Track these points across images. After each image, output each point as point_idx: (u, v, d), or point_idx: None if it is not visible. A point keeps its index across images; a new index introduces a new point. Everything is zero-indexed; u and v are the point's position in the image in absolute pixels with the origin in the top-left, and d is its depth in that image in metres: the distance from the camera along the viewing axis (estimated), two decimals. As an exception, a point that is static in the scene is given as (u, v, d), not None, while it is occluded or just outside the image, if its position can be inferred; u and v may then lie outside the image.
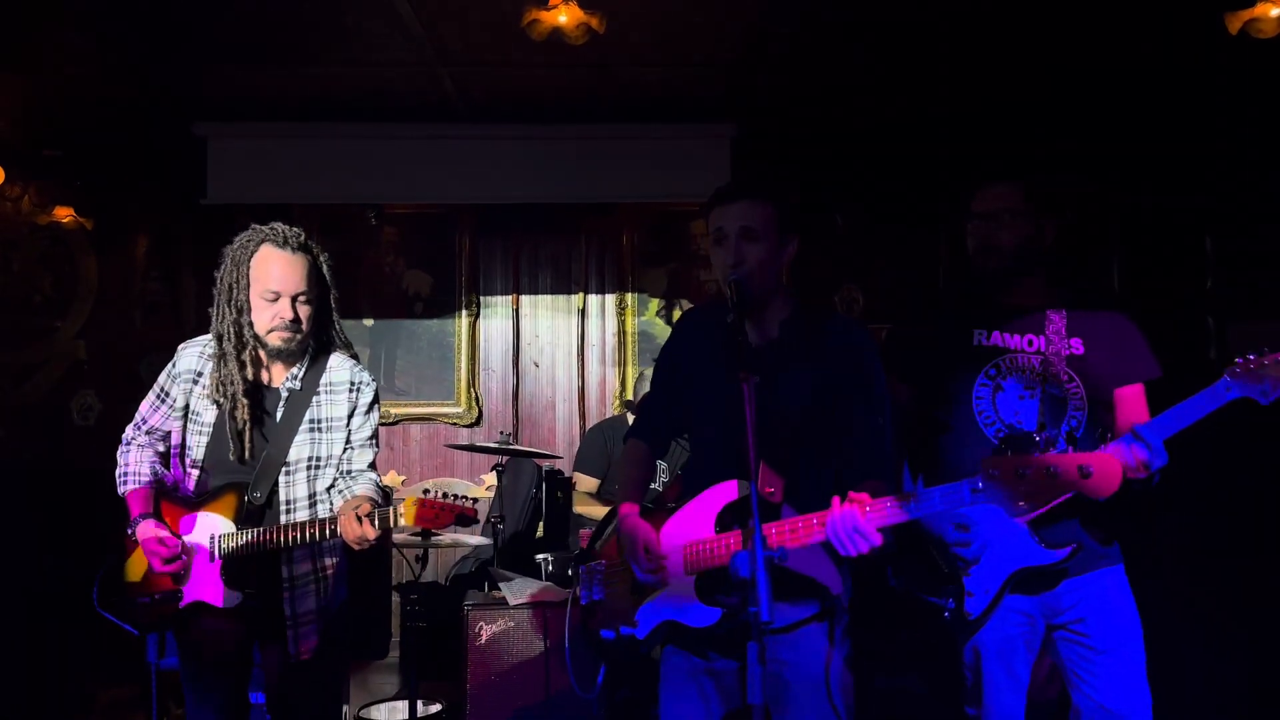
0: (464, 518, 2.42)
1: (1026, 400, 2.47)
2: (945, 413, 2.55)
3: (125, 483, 2.63)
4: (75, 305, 5.33)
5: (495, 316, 5.51)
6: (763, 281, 2.23)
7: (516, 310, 5.51)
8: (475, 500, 2.51)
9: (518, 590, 3.52)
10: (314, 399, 2.56)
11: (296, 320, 2.48)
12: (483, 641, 3.43)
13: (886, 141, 5.20)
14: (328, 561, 2.55)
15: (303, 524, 2.43)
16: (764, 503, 2.13)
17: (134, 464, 2.64)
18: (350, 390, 2.59)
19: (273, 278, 2.46)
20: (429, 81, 4.51)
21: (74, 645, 2.71)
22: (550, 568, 3.82)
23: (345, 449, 2.59)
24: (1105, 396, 2.49)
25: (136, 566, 2.59)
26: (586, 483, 4.47)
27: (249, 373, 2.50)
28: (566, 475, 4.59)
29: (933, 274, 5.42)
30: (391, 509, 2.40)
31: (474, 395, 5.45)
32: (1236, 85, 4.44)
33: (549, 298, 5.54)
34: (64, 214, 5.31)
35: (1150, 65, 4.23)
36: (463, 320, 5.45)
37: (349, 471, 2.59)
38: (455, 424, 5.43)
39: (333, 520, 2.41)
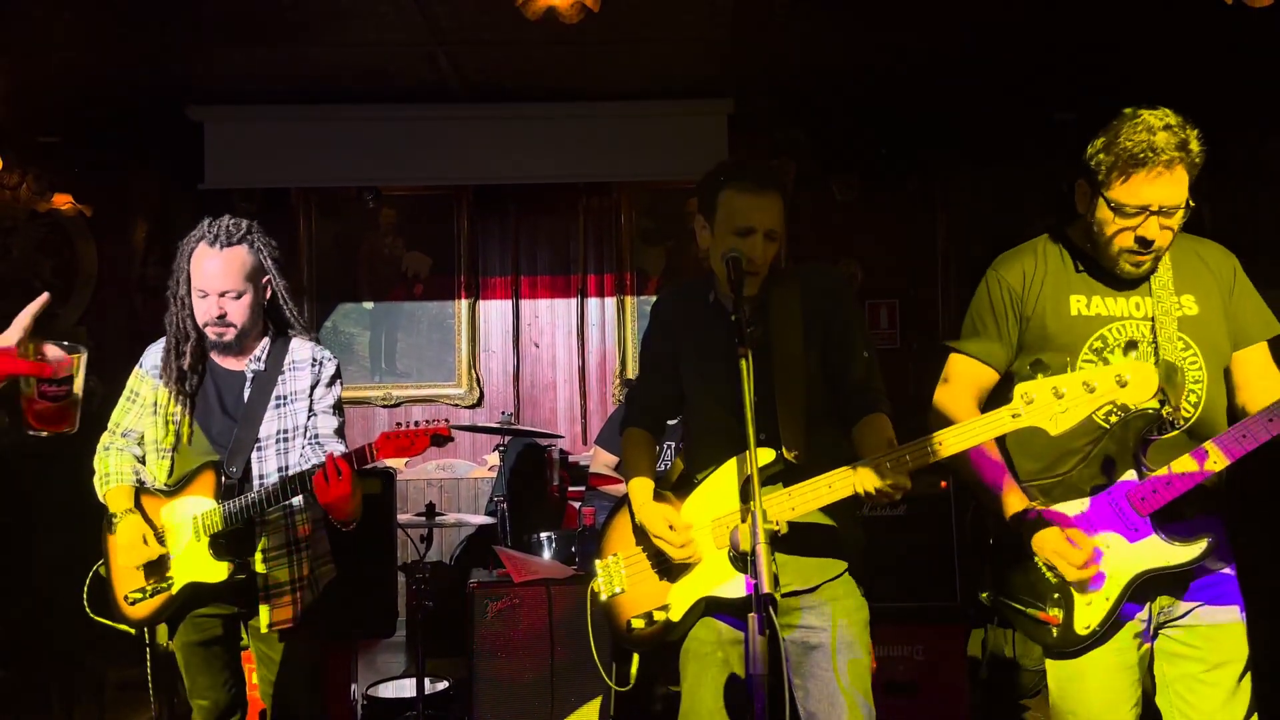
0: (439, 438, 2.44)
1: None
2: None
3: (108, 483, 2.70)
4: (76, 291, 5.33)
5: (495, 297, 5.52)
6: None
7: (516, 291, 5.53)
8: (448, 421, 2.51)
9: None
10: (279, 378, 2.68)
11: (223, 317, 2.59)
12: (489, 619, 3.46)
13: (884, 115, 5.19)
14: (300, 532, 2.63)
15: (278, 482, 2.50)
16: (790, 465, 2.14)
17: (115, 465, 2.72)
18: (313, 365, 2.70)
19: (202, 276, 2.57)
20: (424, 61, 4.50)
21: (81, 627, 2.73)
22: (554, 545, 3.85)
23: (310, 416, 2.68)
24: (1225, 361, 2.21)
25: (123, 566, 2.64)
26: (605, 457, 4.49)
27: (186, 363, 2.62)
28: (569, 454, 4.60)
29: (931, 247, 5.42)
30: (366, 446, 2.44)
31: (475, 376, 5.47)
32: (1233, 55, 4.42)
33: (548, 278, 5.55)
34: (63, 201, 5.29)
35: (1147, 34, 4.22)
36: (462, 301, 5.46)
37: (316, 437, 2.67)
38: (457, 405, 5.46)
39: (302, 474, 2.46)
